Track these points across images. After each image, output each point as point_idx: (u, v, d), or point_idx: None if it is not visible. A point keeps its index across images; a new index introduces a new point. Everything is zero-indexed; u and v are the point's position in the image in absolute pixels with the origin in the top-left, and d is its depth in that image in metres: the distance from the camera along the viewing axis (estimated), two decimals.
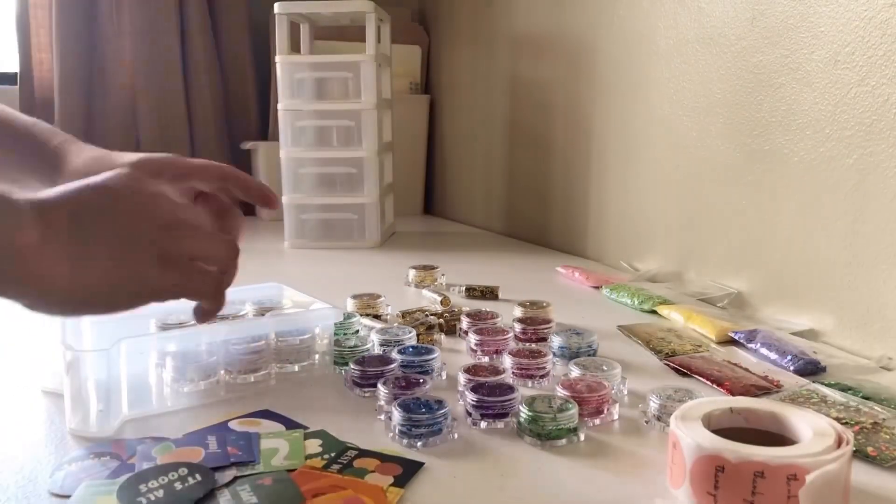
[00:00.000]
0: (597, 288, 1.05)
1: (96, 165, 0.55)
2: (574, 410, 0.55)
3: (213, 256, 0.53)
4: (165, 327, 0.69)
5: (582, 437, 0.55)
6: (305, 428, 0.56)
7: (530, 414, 0.54)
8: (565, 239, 1.41)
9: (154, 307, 0.70)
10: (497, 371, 0.64)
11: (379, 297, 0.89)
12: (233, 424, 0.56)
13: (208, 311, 0.54)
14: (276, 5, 1.40)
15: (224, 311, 0.75)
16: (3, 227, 0.42)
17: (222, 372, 0.65)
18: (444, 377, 0.68)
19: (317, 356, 0.70)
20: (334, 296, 0.82)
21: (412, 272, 1.07)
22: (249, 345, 0.66)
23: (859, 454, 0.51)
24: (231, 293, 0.79)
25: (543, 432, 0.54)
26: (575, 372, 0.64)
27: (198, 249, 0.52)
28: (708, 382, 0.66)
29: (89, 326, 0.66)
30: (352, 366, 0.65)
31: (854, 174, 0.78)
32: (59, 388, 0.59)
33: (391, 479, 0.48)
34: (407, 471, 0.49)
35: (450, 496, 0.47)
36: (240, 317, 0.75)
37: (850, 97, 0.78)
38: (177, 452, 0.51)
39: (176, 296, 0.51)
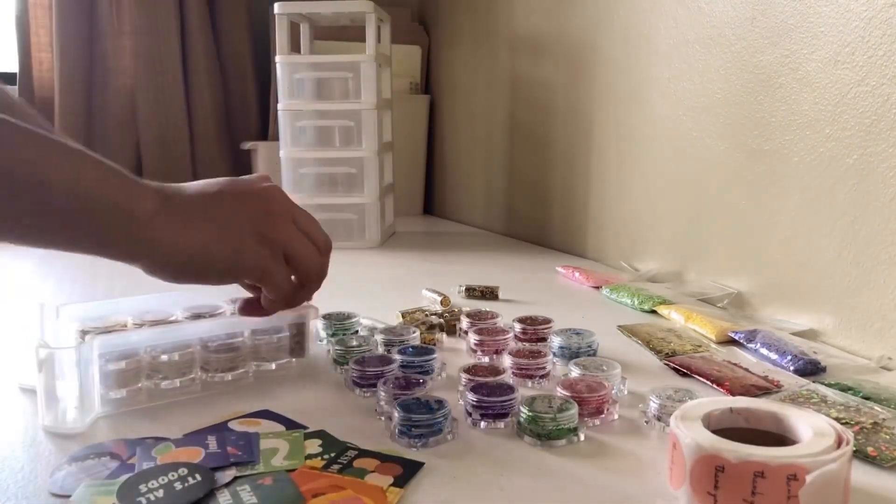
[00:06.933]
0: (597, 288, 1.05)
1: None
2: (574, 410, 0.55)
3: (303, 258, 0.60)
4: (140, 325, 0.68)
5: (582, 437, 0.55)
6: (305, 428, 0.56)
7: (530, 414, 0.54)
8: (565, 239, 1.41)
9: (132, 304, 0.71)
10: (497, 371, 0.64)
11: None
12: (233, 424, 0.56)
13: (272, 303, 0.61)
14: (276, 5, 1.40)
15: (203, 310, 0.75)
16: (129, 198, 0.51)
17: (199, 370, 0.64)
18: (444, 377, 0.68)
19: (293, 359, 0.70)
20: (334, 296, 0.82)
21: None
22: (225, 342, 0.66)
23: (859, 454, 0.51)
24: (229, 291, 0.79)
25: (543, 432, 0.54)
26: (575, 372, 0.64)
27: (293, 245, 0.59)
28: (708, 382, 0.66)
29: (67, 324, 0.67)
30: (352, 366, 0.65)
31: (854, 174, 0.78)
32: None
33: (391, 480, 0.48)
34: (407, 471, 0.49)
35: (450, 496, 0.46)
36: (217, 315, 0.74)
37: (850, 97, 0.78)
38: (177, 452, 0.51)
39: (258, 278, 0.58)
